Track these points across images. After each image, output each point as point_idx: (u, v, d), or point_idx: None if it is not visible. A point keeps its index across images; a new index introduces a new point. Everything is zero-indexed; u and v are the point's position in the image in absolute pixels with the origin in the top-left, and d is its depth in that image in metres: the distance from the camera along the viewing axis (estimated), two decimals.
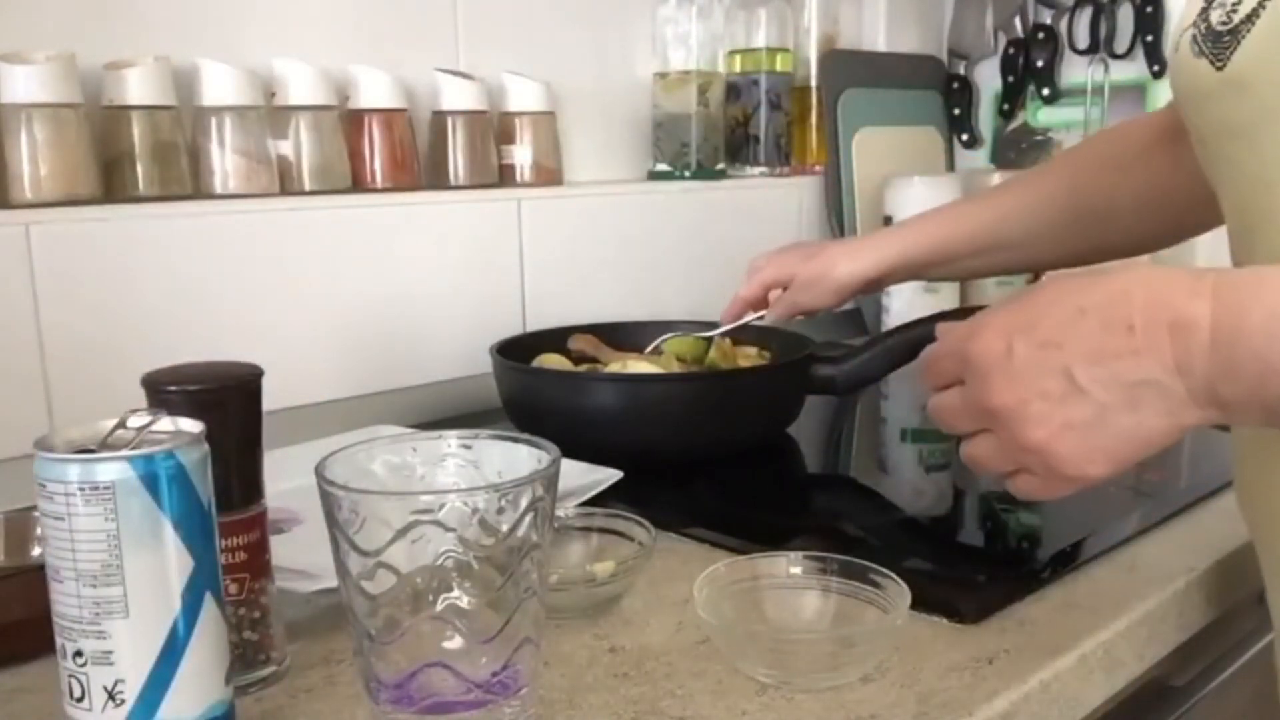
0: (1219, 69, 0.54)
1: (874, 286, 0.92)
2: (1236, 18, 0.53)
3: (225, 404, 0.52)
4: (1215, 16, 0.55)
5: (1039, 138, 1.53)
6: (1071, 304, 0.48)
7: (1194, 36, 0.56)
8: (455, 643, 0.46)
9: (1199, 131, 0.59)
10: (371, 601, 0.46)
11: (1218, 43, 0.54)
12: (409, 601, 0.46)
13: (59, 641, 0.45)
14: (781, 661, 0.53)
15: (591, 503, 0.72)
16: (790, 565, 0.60)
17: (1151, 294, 0.46)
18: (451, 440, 0.52)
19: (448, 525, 0.44)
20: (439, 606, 0.45)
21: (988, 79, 1.56)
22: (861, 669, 0.54)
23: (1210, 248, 1.32)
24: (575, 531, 0.67)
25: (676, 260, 1.26)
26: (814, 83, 1.42)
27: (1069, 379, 0.47)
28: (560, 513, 0.69)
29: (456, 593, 0.45)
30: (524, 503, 0.45)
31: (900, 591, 0.55)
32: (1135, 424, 0.47)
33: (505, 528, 0.45)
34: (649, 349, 1.01)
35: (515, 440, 0.51)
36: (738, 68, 1.34)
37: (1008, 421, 0.49)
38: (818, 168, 1.42)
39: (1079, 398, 0.47)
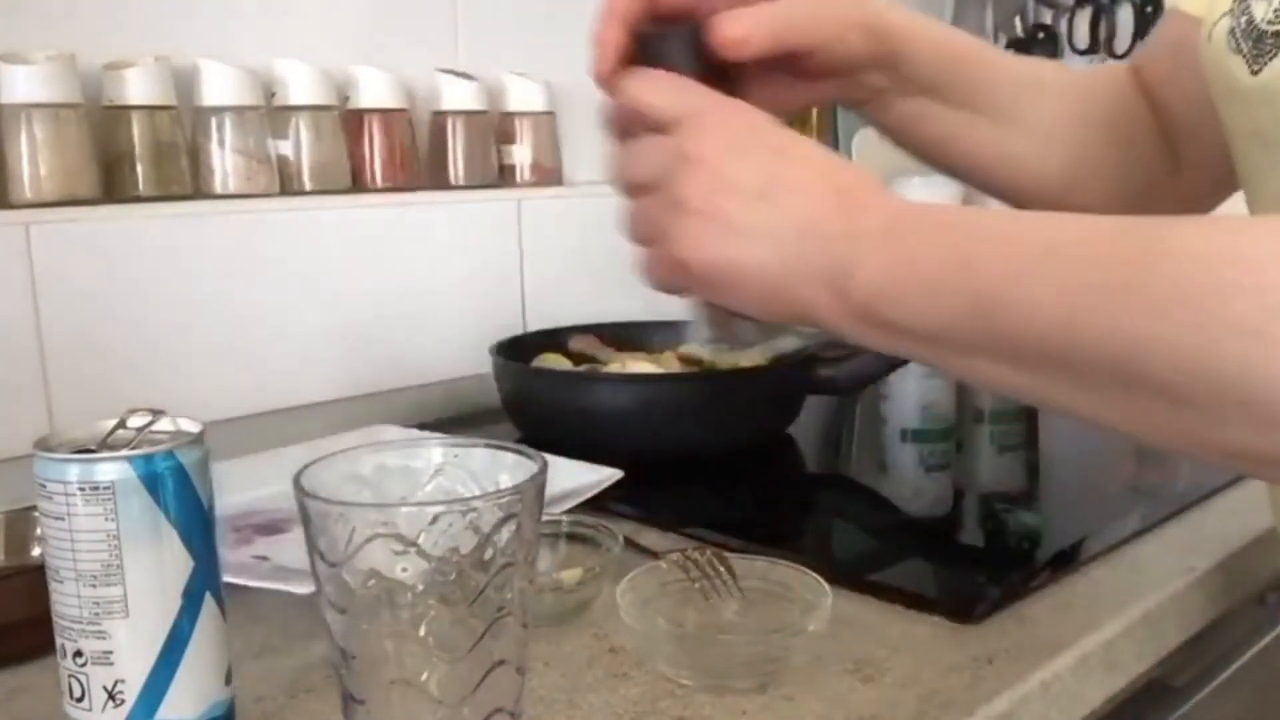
0: (1254, 72, 0.49)
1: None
2: None
3: None
4: (1259, 11, 0.49)
5: None
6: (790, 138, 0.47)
7: (1232, 29, 0.51)
8: (423, 662, 0.41)
9: (1228, 127, 0.55)
10: (342, 616, 0.41)
11: (1259, 43, 0.49)
12: (376, 616, 0.41)
13: (59, 641, 0.45)
14: (696, 663, 0.53)
15: (591, 502, 0.72)
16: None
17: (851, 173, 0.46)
18: (436, 450, 0.47)
19: (408, 539, 0.40)
20: (406, 624, 0.41)
21: None
22: (786, 667, 0.53)
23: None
24: (543, 539, 0.67)
25: None
26: None
27: (767, 174, 0.45)
28: (559, 514, 0.69)
29: (424, 609, 0.41)
30: (496, 519, 0.40)
31: (816, 585, 0.55)
32: (761, 252, 0.45)
33: (474, 545, 0.40)
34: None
35: (502, 448, 0.46)
36: None
37: (687, 168, 0.47)
38: None
39: (755, 195, 0.45)
